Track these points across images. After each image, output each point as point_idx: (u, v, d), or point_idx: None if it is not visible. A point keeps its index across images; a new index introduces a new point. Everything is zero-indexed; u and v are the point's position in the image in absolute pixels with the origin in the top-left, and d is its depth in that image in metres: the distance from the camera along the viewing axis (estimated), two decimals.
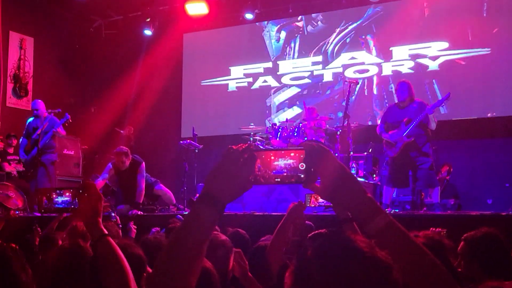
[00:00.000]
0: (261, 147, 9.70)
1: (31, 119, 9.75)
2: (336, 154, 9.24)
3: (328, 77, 11.87)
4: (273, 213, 8.35)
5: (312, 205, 5.10)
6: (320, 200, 4.92)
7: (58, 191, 2.35)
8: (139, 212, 8.44)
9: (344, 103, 8.26)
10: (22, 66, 11.73)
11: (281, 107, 12.34)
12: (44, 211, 2.60)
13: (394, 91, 8.17)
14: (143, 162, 9.17)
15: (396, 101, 8.13)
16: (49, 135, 9.37)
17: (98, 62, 13.17)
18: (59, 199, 2.35)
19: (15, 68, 11.60)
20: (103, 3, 12.41)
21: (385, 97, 11.28)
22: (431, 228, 4.47)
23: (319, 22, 12.14)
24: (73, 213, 2.40)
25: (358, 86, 11.05)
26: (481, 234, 3.69)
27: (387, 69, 11.31)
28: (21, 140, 9.77)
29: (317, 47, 12.03)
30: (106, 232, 2.11)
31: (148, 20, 12.47)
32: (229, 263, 3.42)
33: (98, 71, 13.18)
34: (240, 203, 9.27)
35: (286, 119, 10.24)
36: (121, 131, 12.16)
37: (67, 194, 2.33)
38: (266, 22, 12.50)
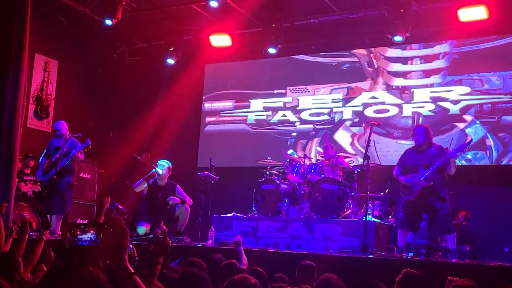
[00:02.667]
0: (277, 181, 9.68)
1: (52, 140, 9.81)
2: (353, 193, 9.21)
3: (347, 115, 11.86)
4: (287, 251, 8.30)
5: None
6: None
7: (82, 227, 2.30)
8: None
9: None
10: (45, 88, 11.86)
11: (300, 142, 12.32)
12: (68, 247, 2.57)
13: (412, 135, 8.08)
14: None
15: (414, 145, 8.08)
16: (69, 157, 9.41)
17: (120, 88, 13.27)
18: (84, 236, 2.30)
19: (38, 90, 11.72)
20: (128, 30, 12.55)
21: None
22: (448, 277, 4.43)
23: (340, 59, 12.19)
24: (98, 250, 2.34)
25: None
26: None
27: (408, 110, 11.28)
28: (40, 159, 9.81)
29: (338, 84, 12.07)
30: (132, 271, 2.07)
31: (172, 49, 12.56)
32: None
33: (119, 97, 13.28)
34: (254, 237, 9.23)
35: (304, 155, 10.22)
36: (138, 157, 12.21)
37: (92, 231, 2.27)
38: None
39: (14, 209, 8.92)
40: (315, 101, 12.24)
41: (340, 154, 10.17)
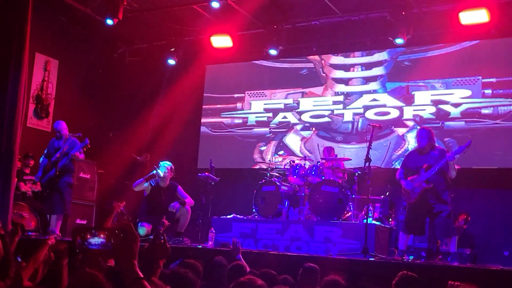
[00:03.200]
0: (278, 183, 9.67)
1: (52, 140, 9.80)
2: (353, 195, 9.20)
3: (348, 117, 11.85)
4: (287, 253, 8.28)
5: None
6: None
7: (93, 232, 2.29)
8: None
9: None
10: (45, 88, 11.82)
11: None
12: (78, 251, 2.54)
13: (414, 137, 8.11)
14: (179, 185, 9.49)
15: (416, 147, 8.09)
16: (68, 157, 9.39)
17: (120, 88, 13.25)
18: (94, 240, 2.29)
19: (38, 89, 11.69)
20: (129, 30, 12.54)
21: (405, 141, 11.27)
22: (449, 282, 4.41)
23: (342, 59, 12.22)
24: (108, 254, 2.34)
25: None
26: None
27: (408, 113, 11.28)
28: (41, 159, 9.79)
29: (338, 88, 12.12)
30: (142, 276, 2.07)
31: (173, 49, 12.55)
32: None
33: (120, 97, 13.26)
34: (252, 239, 9.21)
35: (305, 157, 10.20)
36: (138, 158, 12.19)
37: (102, 235, 2.27)
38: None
39: (13, 208, 8.88)
40: (316, 103, 12.24)
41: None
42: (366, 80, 11.92)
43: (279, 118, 12.57)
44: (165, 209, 9.22)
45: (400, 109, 11.41)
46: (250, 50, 12.54)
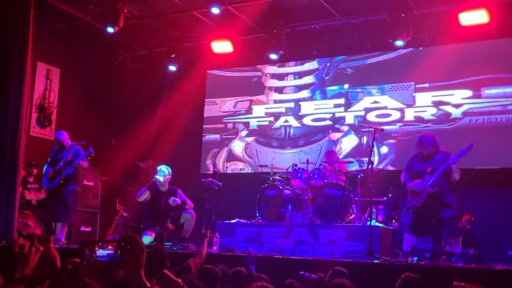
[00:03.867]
0: (280, 187, 9.70)
1: (55, 148, 9.85)
2: (356, 198, 9.22)
3: (349, 119, 11.89)
4: (292, 257, 8.31)
5: None
6: None
7: (100, 244, 2.36)
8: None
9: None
10: (47, 96, 11.88)
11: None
12: (85, 263, 2.59)
13: (418, 142, 8.04)
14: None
15: (420, 151, 8.05)
16: (72, 166, 9.44)
17: (121, 95, 13.29)
18: (102, 252, 2.35)
19: (40, 98, 11.75)
20: (129, 37, 12.59)
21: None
22: (454, 283, 4.43)
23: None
24: (117, 266, 2.41)
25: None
26: None
27: (410, 114, 11.32)
28: (45, 168, 9.84)
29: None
30: (148, 285, 2.12)
31: (173, 56, 12.59)
32: None
33: (121, 104, 13.29)
34: (257, 243, 9.24)
35: (307, 160, 10.23)
36: (141, 164, 12.22)
37: (110, 247, 2.33)
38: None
39: (18, 217, 8.92)
40: (317, 106, 12.29)
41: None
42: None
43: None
44: (167, 214, 9.27)
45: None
46: (250, 55, 12.59)
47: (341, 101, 12.04)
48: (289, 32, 11.73)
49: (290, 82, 12.71)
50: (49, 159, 9.81)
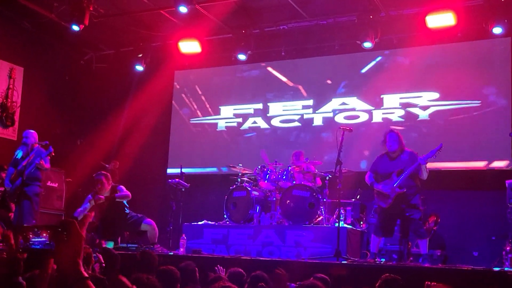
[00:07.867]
0: (249, 188, 9.61)
1: (19, 149, 9.59)
2: (324, 199, 9.18)
3: (318, 121, 11.87)
4: (259, 258, 8.23)
5: None
6: None
7: (35, 231, 2.18)
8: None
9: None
10: (10, 96, 11.56)
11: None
12: (21, 251, 2.43)
13: (383, 141, 8.00)
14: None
15: (386, 151, 8.03)
16: (33, 166, 9.20)
17: (88, 95, 13.06)
18: (37, 240, 2.17)
19: (2, 97, 11.44)
20: (95, 36, 12.37)
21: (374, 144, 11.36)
22: (426, 282, 4.42)
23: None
24: (51, 254, 2.20)
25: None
26: None
27: (378, 116, 11.35)
28: (7, 168, 9.57)
29: (308, 90, 12.15)
30: (86, 275, 1.97)
31: (140, 55, 12.41)
32: None
33: (87, 104, 13.07)
34: (224, 245, 9.14)
35: (275, 161, 10.16)
36: (107, 165, 11.98)
37: (44, 234, 2.14)
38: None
39: None
40: (286, 108, 12.23)
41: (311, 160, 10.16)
42: None
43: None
44: (120, 218, 9.04)
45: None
46: (218, 55, 12.48)
47: (310, 102, 12.01)
48: (258, 33, 11.68)
49: None
50: (12, 160, 9.54)
